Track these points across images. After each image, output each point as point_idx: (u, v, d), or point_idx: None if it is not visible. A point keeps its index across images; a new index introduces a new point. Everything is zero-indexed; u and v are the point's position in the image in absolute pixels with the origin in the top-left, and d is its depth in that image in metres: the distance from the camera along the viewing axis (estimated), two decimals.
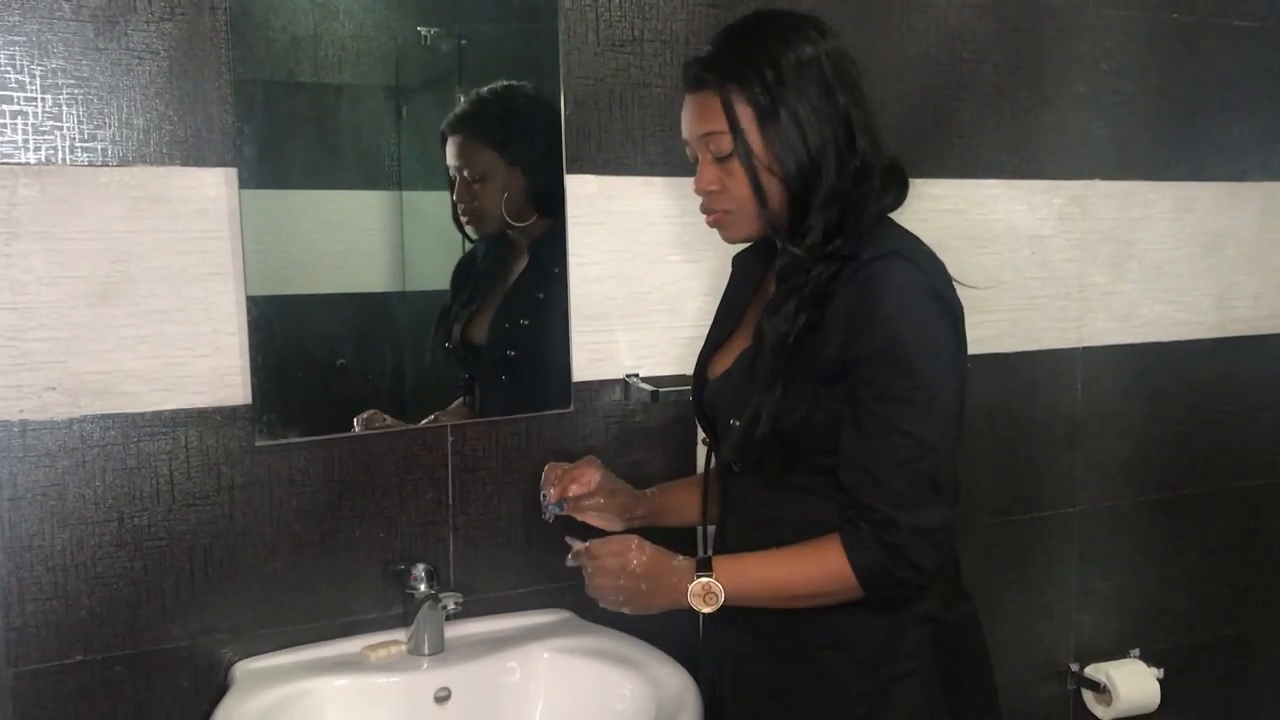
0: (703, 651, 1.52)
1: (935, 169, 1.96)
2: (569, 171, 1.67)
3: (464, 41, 1.62)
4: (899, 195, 1.34)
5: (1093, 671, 2.20)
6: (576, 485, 1.54)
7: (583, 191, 1.69)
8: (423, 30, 1.58)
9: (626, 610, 1.35)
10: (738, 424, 1.33)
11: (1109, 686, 2.17)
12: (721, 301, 1.53)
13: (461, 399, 1.68)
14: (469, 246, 1.68)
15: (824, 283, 1.26)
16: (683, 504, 1.58)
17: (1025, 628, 2.16)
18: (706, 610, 1.30)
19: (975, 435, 2.05)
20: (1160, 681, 2.21)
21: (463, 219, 1.65)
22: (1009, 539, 2.12)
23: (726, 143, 1.29)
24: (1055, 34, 2.04)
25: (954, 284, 1.31)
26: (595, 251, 1.70)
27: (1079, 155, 2.09)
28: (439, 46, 1.60)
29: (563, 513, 1.53)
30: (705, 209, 1.36)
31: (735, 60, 1.29)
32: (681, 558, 1.33)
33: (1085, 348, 2.14)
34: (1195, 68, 2.19)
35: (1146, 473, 2.24)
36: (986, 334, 2.03)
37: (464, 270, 1.68)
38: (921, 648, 1.32)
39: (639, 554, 1.33)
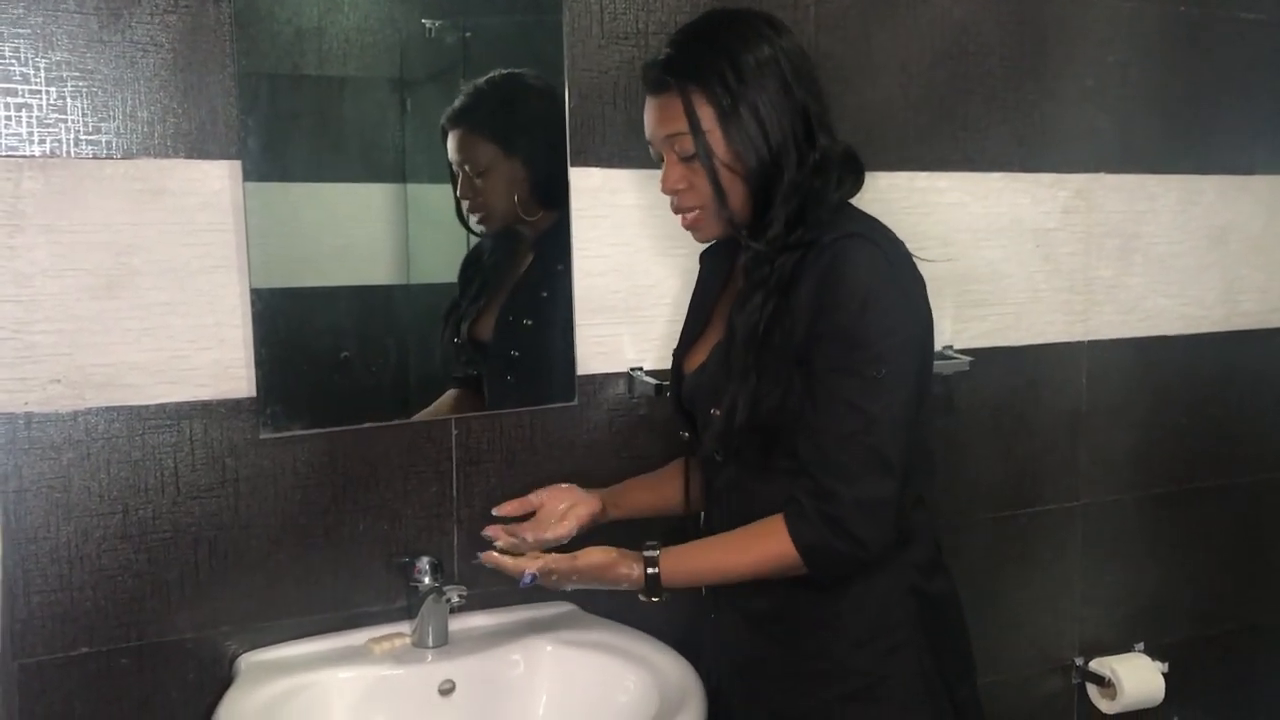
0: (702, 640, 1.53)
1: (940, 162, 1.95)
2: (573, 164, 1.67)
3: (468, 34, 1.62)
4: (856, 182, 1.38)
5: (1097, 665, 2.20)
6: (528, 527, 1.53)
7: (587, 184, 1.69)
8: (427, 23, 1.58)
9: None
10: (718, 413, 1.35)
11: (1113, 680, 2.17)
12: (692, 299, 1.57)
13: (452, 391, 1.67)
14: (475, 241, 1.67)
15: (788, 270, 1.30)
16: (654, 498, 1.60)
17: (1029, 622, 2.16)
18: (656, 600, 1.36)
19: (978, 429, 2.05)
20: (1165, 675, 2.20)
21: (471, 216, 1.64)
22: (1012, 533, 2.11)
23: (690, 143, 1.32)
24: (1060, 26, 2.04)
25: (915, 262, 1.34)
26: (599, 245, 1.70)
27: (1084, 148, 2.09)
28: (443, 39, 1.60)
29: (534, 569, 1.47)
30: (677, 209, 1.39)
31: (695, 61, 1.32)
32: (628, 564, 1.36)
33: (1090, 341, 2.14)
34: (1202, 60, 2.18)
35: (1151, 466, 2.24)
36: (991, 327, 2.03)
37: (471, 265, 1.68)
38: (910, 619, 1.36)
39: (571, 564, 1.39)
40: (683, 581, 1.36)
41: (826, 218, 1.31)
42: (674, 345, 1.55)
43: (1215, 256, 2.25)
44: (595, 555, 1.39)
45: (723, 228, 1.37)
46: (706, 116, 1.31)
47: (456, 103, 1.61)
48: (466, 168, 1.62)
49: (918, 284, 1.33)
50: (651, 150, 1.39)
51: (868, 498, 1.25)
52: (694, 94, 1.31)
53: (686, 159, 1.33)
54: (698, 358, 1.46)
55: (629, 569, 1.36)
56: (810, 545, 1.27)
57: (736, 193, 1.33)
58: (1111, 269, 2.14)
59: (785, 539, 1.27)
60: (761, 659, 1.41)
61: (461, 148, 1.62)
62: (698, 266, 1.57)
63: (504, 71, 1.64)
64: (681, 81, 1.31)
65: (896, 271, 1.29)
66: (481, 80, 1.62)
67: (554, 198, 1.67)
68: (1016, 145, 2.02)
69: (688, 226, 1.40)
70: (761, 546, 1.31)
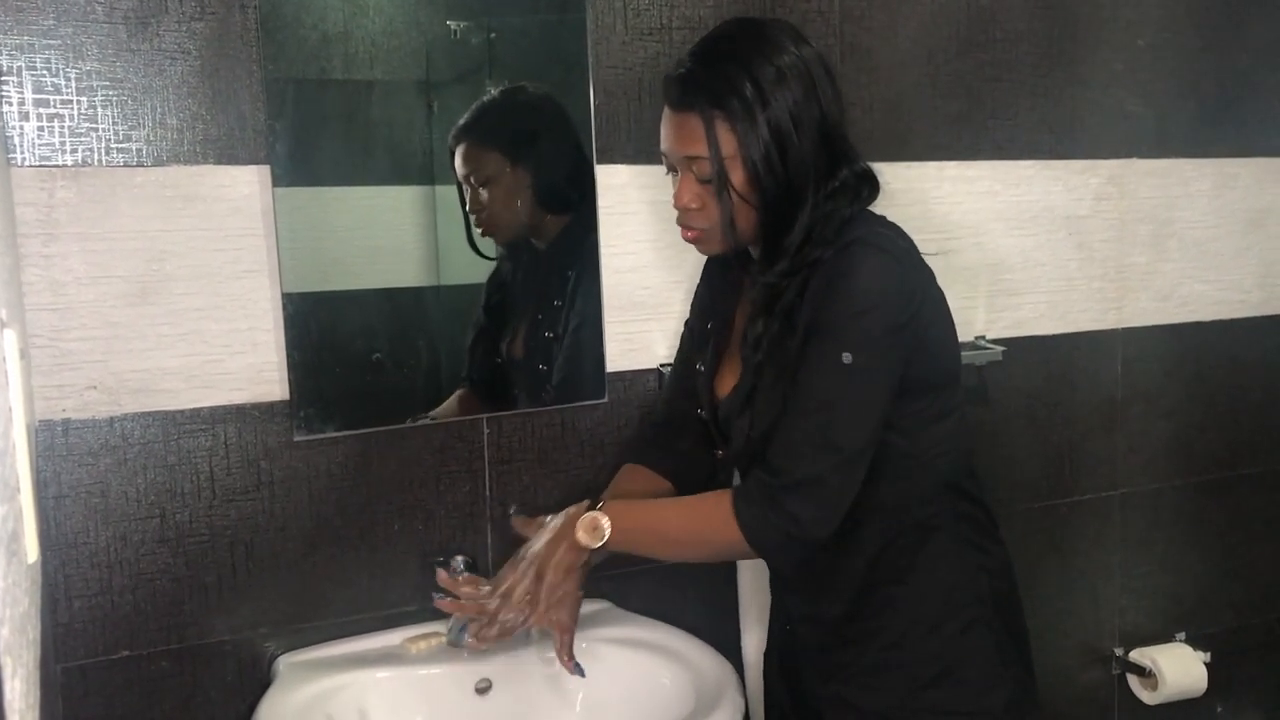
0: (778, 648, 1.53)
1: (970, 151, 1.94)
2: (599, 162, 1.67)
3: (493, 34, 1.62)
4: (871, 195, 1.35)
5: (1137, 656, 2.18)
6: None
7: (614, 181, 1.68)
8: (452, 24, 1.59)
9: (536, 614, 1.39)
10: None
11: (1154, 671, 2.15)
12: (702, 306, 1.55)
13: (460, 391, 1.66)
14: (496, 264, 1.67)
15: (791, 297, 1.29)
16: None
17: (1068, 612, 2.14)
18: (593, 545, 1.35)
19: (1013, 419, 2.03)
20: (1207, 665, 2.18)
21: (480, 231, 1.64)
22: (1050, 523, 2.10)
23: (709, 167, 1.29)
24: (1090, 11, 2.01)
25: (924, 259, 1.33)
26: (627, 241, 1.70)
27: (1116, 134, 2.06)
28: (469, 40, 1.60)
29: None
30: (683, 224, 1.37)
31: (719, 84, 1.28)
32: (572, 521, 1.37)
33: (1125, 329, 2.11)
34: (1235, 42, 2.15)
35: (1190, 454, 2.21)
36: (1024, 316, 2.01)
37: (495, 292, 1.68)
38: (980, 596, 1.37)
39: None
40: (618, 510, 1.36)
41: (831, 235, 1.29)
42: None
43: (1251, 240, 2.22)
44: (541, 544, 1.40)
45: (725, 248, 1.35)
46: (728, 143, 1.27)
47: (461, 120, 1.61)
48: (471, 179, 1.62)
49: (916, 285, 1.30)
50: (664, 161, 1.37)
51: (807, 475, 1.25)
52: (718, 119, 1.27)
53: (704, 180, 1.31)
54: (727, 382, 1.44)
55: (565, 514, 1.38)
56: (751, 517, 1.27)
57: (748, 220, 1.31)
58: (1146, 255, 2.12)
59: (728, 511, 1.29)
60: (841, 662, 1.41)
61: (466, 160, 1.62)
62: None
63: (509, 85, 1.64)
64: (705, 105, 1.28)
65: (896, 277, 1.26)
66: (485, 98, 1.62)
67: (558, 204, 1.68)
68: (1047, 132, 2.00)
69: (691, 241, 1.38)
70: (705, 508, 1.33)
